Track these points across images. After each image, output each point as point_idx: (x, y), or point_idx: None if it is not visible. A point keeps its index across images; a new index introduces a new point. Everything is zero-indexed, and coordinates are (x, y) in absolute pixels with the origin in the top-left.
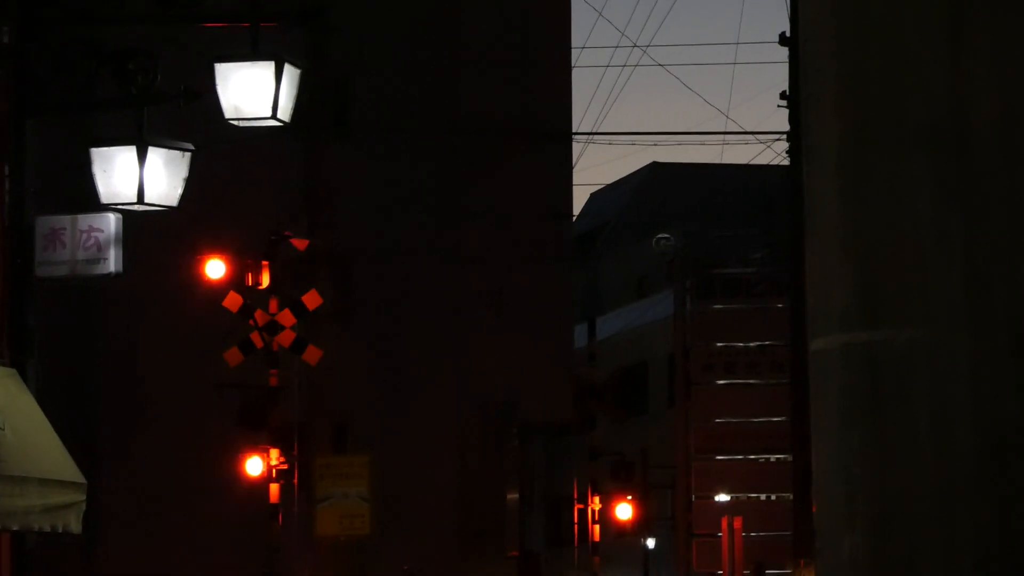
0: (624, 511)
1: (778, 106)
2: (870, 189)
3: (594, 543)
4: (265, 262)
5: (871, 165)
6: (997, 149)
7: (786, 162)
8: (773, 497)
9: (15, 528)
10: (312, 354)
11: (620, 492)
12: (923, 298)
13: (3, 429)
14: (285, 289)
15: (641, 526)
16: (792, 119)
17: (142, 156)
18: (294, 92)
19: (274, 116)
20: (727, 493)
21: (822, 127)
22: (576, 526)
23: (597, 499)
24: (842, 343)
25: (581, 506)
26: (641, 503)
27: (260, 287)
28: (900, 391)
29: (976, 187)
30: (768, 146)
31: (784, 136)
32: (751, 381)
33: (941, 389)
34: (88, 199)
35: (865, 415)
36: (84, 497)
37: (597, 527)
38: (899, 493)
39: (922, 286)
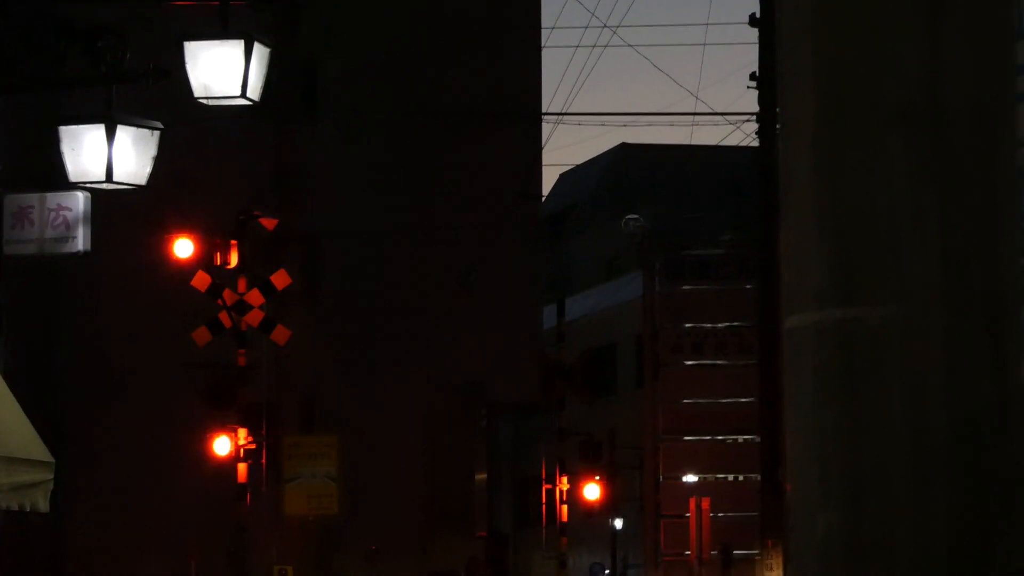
0: (592, 491)
1: (748, 87)
2: (845, 166)
3: (562, 523)
4: (234, 241)
5: (846, 142)
6: (972, 126)
7: (756, 143)
8: (741, 478)
9: None
10: (281, 334)
11: (588, 472)
12: (898, 275)
13: None
14: (254, 269)
15: (608, 506)
16: (761, 100)
17: (111, 134)
18: (264, 71)
19: (243, 95)
20: (695, 474)
21: (798, 103)
22: (544, 507)
23: (565, 479)
24: (816, 320)
25: (549, 487)
26: (609, 484)
27: (229, 267)
28: (874, 368)
29: (951, 164)
30: (738, 127)
31: (754, 117)
32: (719, 362)
33: (916, 367)
34: (56, 177)
35: (839, 392)
36: (52, 476)
37: (565, 508)
38: (873, 471)
39: (897, 263)
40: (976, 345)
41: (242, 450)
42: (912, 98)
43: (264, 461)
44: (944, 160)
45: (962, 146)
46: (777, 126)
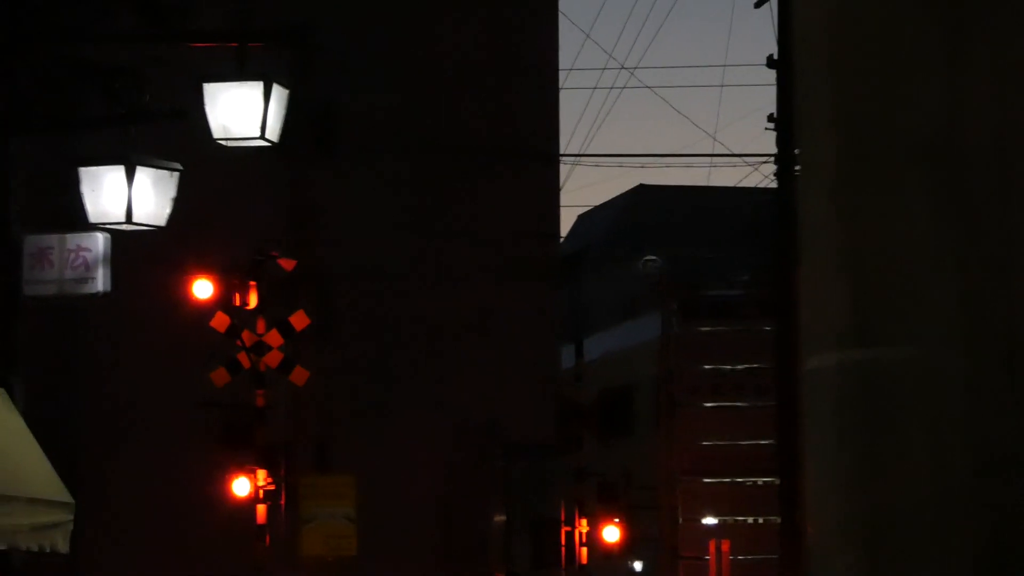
0: (611, 534)
1: (765, 128)
2: (865, 206)
3: (581, 565)
4: (252, 282)
5: (866, 182)
6: (993, 165)
7: (773, 184)
8: (760, 520)
9: (2, 548)
10: (299, 375)
11: (606, 513)
12: (918, 315)
13: None
14: (272, 309)
15: (628, 548)
16: (779, 142)
17: (130, 176)
18: (282, 112)
19: (262, 136)
20: (714, 516)
21: (816, 143)
22: (563, 548)
23: (584, 522)
24: (836, 361)
25: (568, 528)
26: (627, 525)
27: (247, 307)
28: (894, 409)
29: (971, 203)
30: (755, 168)
31: (772, 158)
32: (737, 403)
33: (936, 407)
34: (76, 218)
35: (859, 433)
36: (71, 517)
37: (584, 550)
38: (894, 513)
39: (917, 303)
40: (996, 385)
41: (261, 491)
42: (932, 136)
43: (283, 502)
44: (964, 198)
45: (982, 184)
46: (796, 166)
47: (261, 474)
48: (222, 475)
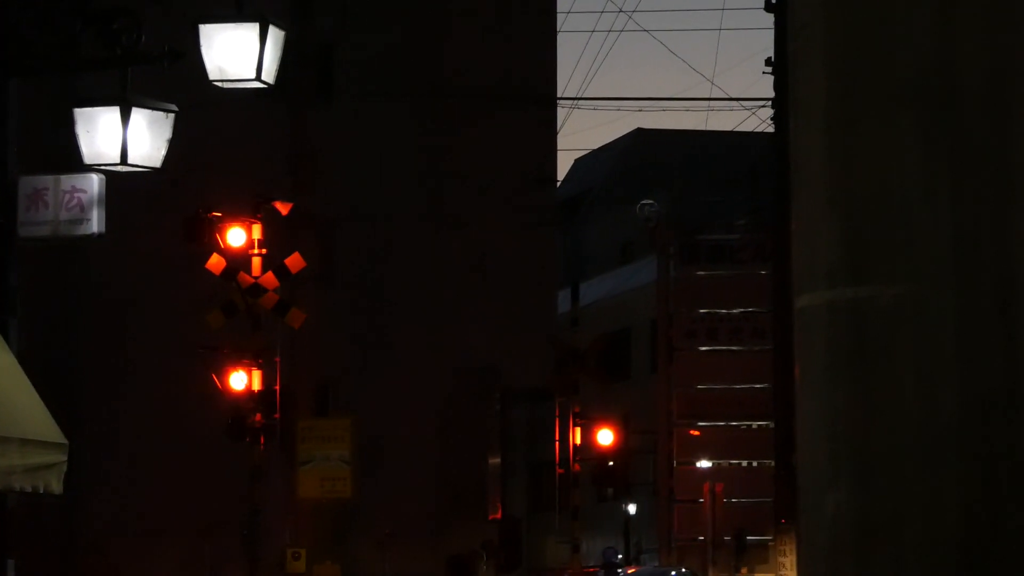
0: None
1: (763, 72)
2: (857, 144)
3: (575, 507)
4: (248, 225)
5: (858, 120)
6: (985, 104)
7: (771, 129)
8: (755, 464)
9: None
10: (295, 317)
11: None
12: (910, 254)
13: None
14: (271, 252)
15: (622, 491)
16: (777, 86)
17: (125, 117)
18: (278, 54)
19: (258, 78)
20: (709, 459)
21: (809, 81)
22: (558, 491)
23: (579, 466)
24: (828, 299)
25: (562, 471)
26: (622, 468)
27: (244, 250)
28: (886, 347)
29: (964, 142)
30: (753, 112)
31: (769, 103)
32: (734, 348)
33: (927, 346)
34: (71, 159)
35: (850, 371)
36: (65, 458)
37: (578, 491)
38: (884, 450)
39: (909, 242)
40: (987, 325)
41: (256, 433)
42: (924, 74)
43: (278, 444)
44: (956, 138)
45: (974, 123)
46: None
47: (256, 416)
48: (218, 417)
